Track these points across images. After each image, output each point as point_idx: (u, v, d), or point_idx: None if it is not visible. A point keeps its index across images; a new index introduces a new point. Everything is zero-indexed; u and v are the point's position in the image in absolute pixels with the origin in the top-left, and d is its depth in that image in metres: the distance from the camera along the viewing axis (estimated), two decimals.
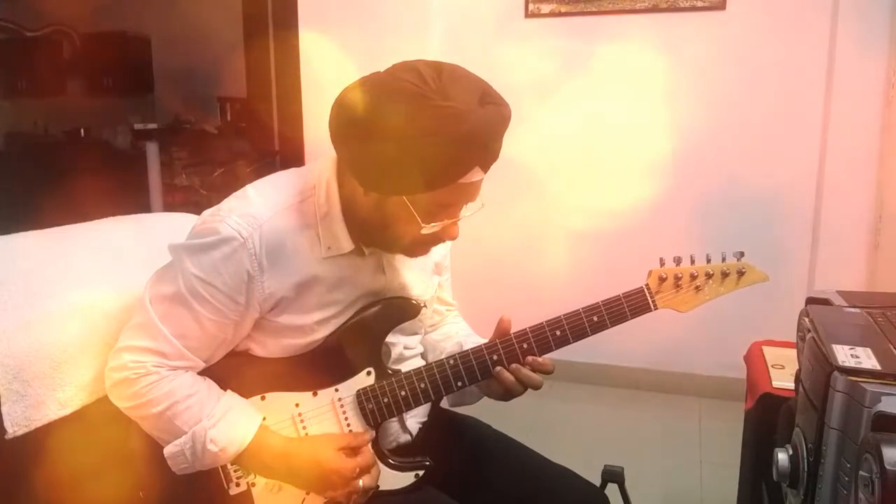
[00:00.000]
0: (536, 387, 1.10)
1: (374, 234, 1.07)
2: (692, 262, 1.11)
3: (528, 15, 2.84)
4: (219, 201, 1.09)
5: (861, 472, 0.84)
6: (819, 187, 2.62)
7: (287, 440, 1.08)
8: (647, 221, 2.79)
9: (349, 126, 0.98)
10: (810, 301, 1.24)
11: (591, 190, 2.85)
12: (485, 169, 0.99)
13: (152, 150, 4.76)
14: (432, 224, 1.00)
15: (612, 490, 1.42)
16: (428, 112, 0.91)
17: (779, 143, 2.64)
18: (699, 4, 2.64)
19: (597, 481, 1.31)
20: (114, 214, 1.53)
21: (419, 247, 1.08)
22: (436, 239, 1.06)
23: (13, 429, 1.03)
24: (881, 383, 0.89)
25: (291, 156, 2.96)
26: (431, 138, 0.91)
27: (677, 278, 1.09)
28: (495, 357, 1.09)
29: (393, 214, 1.01)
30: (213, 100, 5.09)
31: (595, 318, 1.08)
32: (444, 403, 1.22)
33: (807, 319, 1.13)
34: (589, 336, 1.09)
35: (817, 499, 0.97)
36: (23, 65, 5.10)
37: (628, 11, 2.72)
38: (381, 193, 1.00)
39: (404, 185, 0.97)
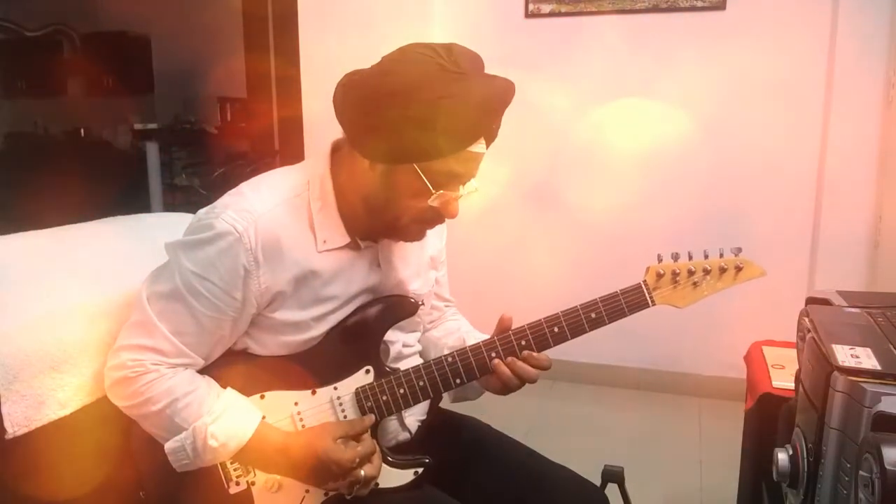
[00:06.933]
0: (532, 380, 1.10)
1: (375, 216, 1.07)
2: (690, 257, 1.11)
3: (528, 15, 2.84)
4: None
5: (861, 472, 0.84)
6: (819, 187, 2.62)
7: (286, 434, 1.08)
8: (646, 220, 2.79)
9: (364, 94, 0.99)
10: (810, 301, 1.24)
11: (590, 189, 2.84)
12: (487, 143, 1.03)
13: (152, 150, 4.77)
14: (439, 193, 1.01)
15: (612, 490, 1.42)
16: (444, 76, 0.95)
17: (779, 143, 2.64)
18: (699, 4, 2.64)
19: (597, 481, 1.31)
20: (114, 214, 1.53)
21: (418, 226, 1.09)
22: (436, 217, 1.07)
23: (13, 429, 1.03)
24: (881, 383, 0.89)
25: (291, 156, 2.96)
26: (447, 101, 0.94)
27: (675, 274, 1.10)
28: (493, 354, 1.10)
29: (400, 186, 1.02)
30: (213, 100, 5.09)
31: (593, 315, 1.08)
32: (446, 399, 1.22)
33: (807, 319, 1.14)
34: (587, 332, 1.10)
35: (817, 499, 0.97)
36: (23, 65, 5.10)
37: (628, 11, 2.72)
38: (392, 163, 1.01)
39: (417, 151, 0.99)
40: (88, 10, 5.44)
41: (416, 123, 0.95)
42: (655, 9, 2.69)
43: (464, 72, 0.96)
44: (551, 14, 2.81)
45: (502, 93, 1.00)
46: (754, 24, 2.60)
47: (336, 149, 1.11)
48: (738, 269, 1.10)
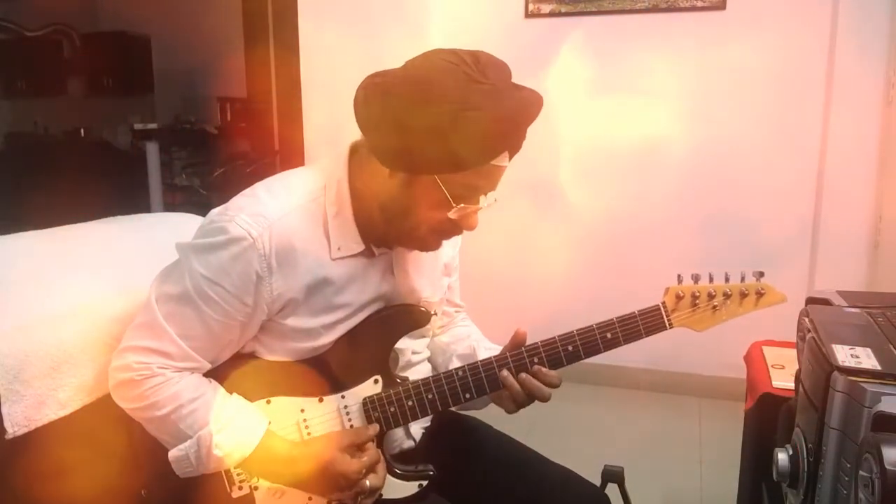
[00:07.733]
0: (544, 399, 1.08)
1: (391, 224, 1.05)
2: (710, 279, 1.07)
3: (528, 15, 2.84)
4: (219, 201, 1.07)
5: (861, 472, 0.84)
6: (819, 187, 2.62)
7: (292, 445, 1.07)
8: (646, 219, 2.78)
9: (387, 101, 0.96)
10: (810, 301, 1.24)
11: (590, 188, 2.84)
12: (511, 156, 1.00)
13: (152, 150, 4.77)
14: (459, 206, 0.99)
15: (612, 490, 1.42)
16: (470, 87, 0.92)
17: (779, 143, 2.64)
18: (699, 4, 2.64)
19: (597, 481, 1.31)
20: (114, 214, 1.53)
21: (435, 236, 1.06)
22: (454, 228, 1.04)
23: (13, 429, 1.03)
24: (881, 383, 0.89)
25: (291, 156, 2.96)
26: (473, 113, 0.91)
27: (695, 297, 1.06)
28: (505, 372, 1.08)
29: (420, 196, 1.00)
30: (213, 100, 5.09)
31: (609, 335, 1.07)
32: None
33: (807, 319, 1.13)
34: (601, 353, 1.08)
35: (817, 499, 0.97)
36: (23, 65, 5.10)
37: (628, 11, 2.72)
38: (413, 173, 0.98)
39: (439, 163, 0.96)
40: (88, 10, 5.44)
41: (440, 135, 0.92)
42: (655, 9, 2.69)
43: (491, 83, 0.93)
44: (551, 14, 2.81)
45: (529, 106, 0.96)
46: (754, 24, 2.60)
47: (354, 151, 1.08)
48: (760, 294, 1.06)
